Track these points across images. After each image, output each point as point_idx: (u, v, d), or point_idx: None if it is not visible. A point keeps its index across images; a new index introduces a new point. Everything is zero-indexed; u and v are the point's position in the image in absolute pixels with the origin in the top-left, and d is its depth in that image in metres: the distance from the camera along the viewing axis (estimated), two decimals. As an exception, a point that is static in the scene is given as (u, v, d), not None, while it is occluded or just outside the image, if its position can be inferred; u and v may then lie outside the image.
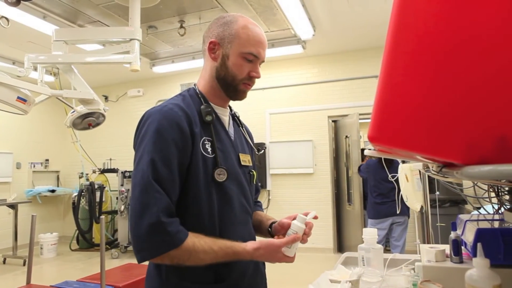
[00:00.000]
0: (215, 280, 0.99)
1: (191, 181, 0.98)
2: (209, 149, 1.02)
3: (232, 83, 1.07)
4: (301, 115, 6.10)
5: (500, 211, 1.10)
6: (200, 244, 0.92)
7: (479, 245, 0.69)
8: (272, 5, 4.14)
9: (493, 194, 1.03)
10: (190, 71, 6.58)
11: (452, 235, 0.92)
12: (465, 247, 0.93)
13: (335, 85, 5.99)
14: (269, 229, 1.16)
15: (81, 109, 3.12)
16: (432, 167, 0.72)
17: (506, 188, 1.05)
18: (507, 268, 0.79)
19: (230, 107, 1.20)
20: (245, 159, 1.14)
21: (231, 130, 1.15)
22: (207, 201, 0.99)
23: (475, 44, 0.47)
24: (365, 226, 5.06)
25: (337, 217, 6.02)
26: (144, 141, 0.96)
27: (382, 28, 4.98)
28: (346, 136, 5.72)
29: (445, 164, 0.65)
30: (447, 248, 0.96)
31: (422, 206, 1.94)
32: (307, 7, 4.33)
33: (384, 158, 3.38)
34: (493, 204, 1.11)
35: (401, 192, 2.24)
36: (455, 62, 0.48)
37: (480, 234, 0.81)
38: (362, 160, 5.61)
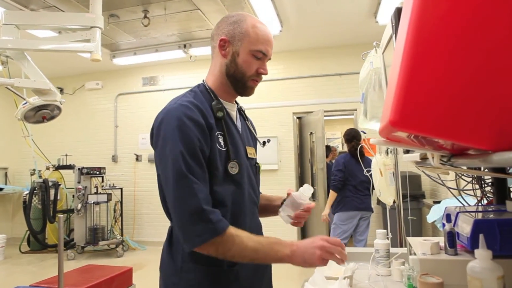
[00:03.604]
0: (228, 264, 1.04)
1: (211, 174, 1.02)
2: (222, 143, 1.06)
3: (241, 79, 1.12)
4: (266, 111, 6.09)
5: (481, 203, 1.12)
6: (243, 233, 0.98)
7: (481, 236, 0.68)
8: (241, -1, 4.07)
9: (474, 186, 1.05)
10: (153, 64, 6.36)
11: (447, 227, 0.92)
12: (458, 238, 0.93)
13: (301, 82, 6.03)
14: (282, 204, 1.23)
15: (35, 100, 2.89)
16: (433, 157, 0.70)
17: (488, 181, 1.08)
18: (503, 258, 0.79)
19: (236, 102, 1.24)
20: (251, 152, 1.20)
21: (238, 124, 1.20)
22: (222, 193, 1.04)
23: (509, 17, 0.44)
24: (329, 221, 5.13)
25: (302, 213, 6.07)
26: (168, 139, 0.98)
27: (349, 26, 5.08)
28: (311, 133, 5.78)
29: (453, 154, 0.63)
30: (440, 240, 0.96)
31: (394, 201, 1.99)
32: (276, 3, 4.31)
33: (360, 152, 3.41)
34: (477, 196, 1.14)
35: (375, 187, 2.27)
36: (487, 39, 0.45)
37: (477, 225, 0.80)
38: (327, 156, 5.71)
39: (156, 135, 1.03)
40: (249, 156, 1.18)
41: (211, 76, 1.16)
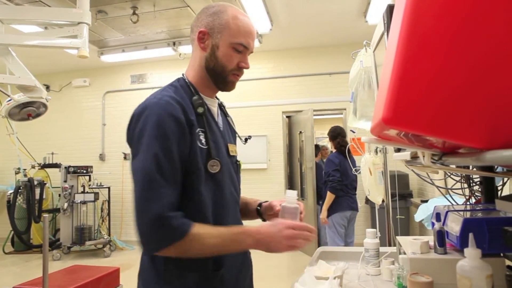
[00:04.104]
0: (213, 268, 1.01)
1: (191, 172, 0.98)
2: (203, 140, 1.02)
3: (221, 73, 1.07)
4: (255, 110, 6.08)
5: (469, 202, 1.13)
6: (205, 230, 0.95)
7: (470, 235, 0.68)
8: (231, -4, 4.04)
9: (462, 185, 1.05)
10: (142, 61, 6.29)
11: (437, 226, 0.92)
12: (447, 237, 0.93)
13: (290, 80, 6.04)
14: (258, 208, 1.23)
15: (20, 97, 2.83)
16: (424, 156, 0.70)
17: (476, 180, 1.09)
18: (492, 257, 0.79)
19: (217, 97, 1.19)
20: (233, 149, 1.16)
21: (219, 121, 1.15)
22: (203, 191, 1.00)
23: (504, 14, 0.44)
24: (318, 220, 5.15)
25: (291, 212, 6.08)
26: (143, 135, 0.95)
27: (339, 26, 5.10)
28: (300, 132, 5.79)
29: (444, 152, 0.63)
30: (430, 239, 0.96)
31: (383, 200, 2.00)
32: (266, 1, 4.30)
33: (348, 151, 3.41)
34: (465, 195, 1.15)
35: (364, 186, 2.28)
36: (481, 36, 0.45)
37: (467, 224, 0.81)
38: (316, 155, 5.72)
39: (132, 131, 0.99)
40: (231, 153, 1.14)
41: (191, 70, 1.12)
